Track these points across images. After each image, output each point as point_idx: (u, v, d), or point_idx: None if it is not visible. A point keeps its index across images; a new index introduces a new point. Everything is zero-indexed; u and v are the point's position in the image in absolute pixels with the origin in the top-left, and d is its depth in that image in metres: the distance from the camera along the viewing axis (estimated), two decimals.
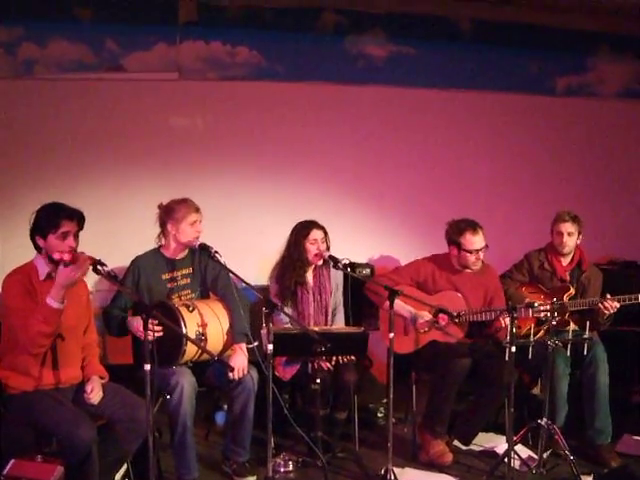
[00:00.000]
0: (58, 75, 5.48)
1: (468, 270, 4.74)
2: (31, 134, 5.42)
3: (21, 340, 3.43)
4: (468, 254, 4.64)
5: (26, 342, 3.42)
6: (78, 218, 3.55)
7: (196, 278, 4.38)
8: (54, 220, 3.49)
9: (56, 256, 3.43)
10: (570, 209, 4.89)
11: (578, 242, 4.86)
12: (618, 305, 4.51)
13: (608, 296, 4.54)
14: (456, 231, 4.67)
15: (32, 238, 3.55)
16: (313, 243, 4.61)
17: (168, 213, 4.26)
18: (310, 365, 4.37)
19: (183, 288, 4.33)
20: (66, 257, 3.39)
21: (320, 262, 4.65)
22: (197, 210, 4.27)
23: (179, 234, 4.24)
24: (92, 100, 5.55)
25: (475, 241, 4.62)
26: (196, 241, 4.21)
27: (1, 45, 5.33)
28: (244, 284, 3.96)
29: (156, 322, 3.55)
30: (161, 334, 3.74)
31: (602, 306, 4.52)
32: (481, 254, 4.65)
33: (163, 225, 4.30)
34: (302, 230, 4.65)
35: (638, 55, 6.62)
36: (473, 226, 4.65)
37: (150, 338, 3.24)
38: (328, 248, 4.66)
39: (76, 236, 3.54)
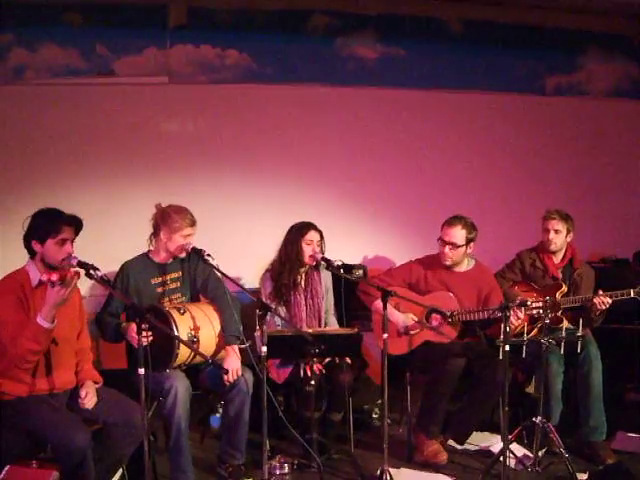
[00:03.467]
0: (49, 80, 5.50)
1: (460, 269, 4.76)
2: (22, 140, 5.42)
3: (10, 355, 3.39)
4: (440, 244, 4.68)
5: (14, 358, 3.39)
6: (76, 225, 3.54)
7: (186, 281, 4.34)
8: (55, 225, 3.47)
9: (44, 277, 3.34)
10: (561, 208, 4.90)
11: (568, 240, 4.87)
12: (610, 301, 4.51)
13: (600, 292, 4.56)
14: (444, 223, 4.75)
15: (27, 243, 3.52)
16: (309, 244, 4.61)
17: (164, 219, 4.17)
18: (303, 366, 4.37)
19: (173, 292, 4.29)
20: (54, 277, 3.30)
21: (313, 263, 4.65)
22: (193, 224, 4.20)
23: (170, 243, 4.18)
24: (83, 105, 5.56)
25: (447, 232, 4.66)
26: (183, 252, 4.20)
27: None
28: (237, 287, 3.96)
29: (147, 326, 3.52)
30: (151, 337, 3.73)
31: (594, 302, 4.53)
32: (448, 249, 4.65)
33: (156, 228, 4.24)
34: (299, 230, 4.65)
35: (626, 54, 6.65)
36: (451, 219, 4.70)
37: (144, 342, 3.24)
38: (323, 253, 4.66)
39: (72, 242, 3.53)
